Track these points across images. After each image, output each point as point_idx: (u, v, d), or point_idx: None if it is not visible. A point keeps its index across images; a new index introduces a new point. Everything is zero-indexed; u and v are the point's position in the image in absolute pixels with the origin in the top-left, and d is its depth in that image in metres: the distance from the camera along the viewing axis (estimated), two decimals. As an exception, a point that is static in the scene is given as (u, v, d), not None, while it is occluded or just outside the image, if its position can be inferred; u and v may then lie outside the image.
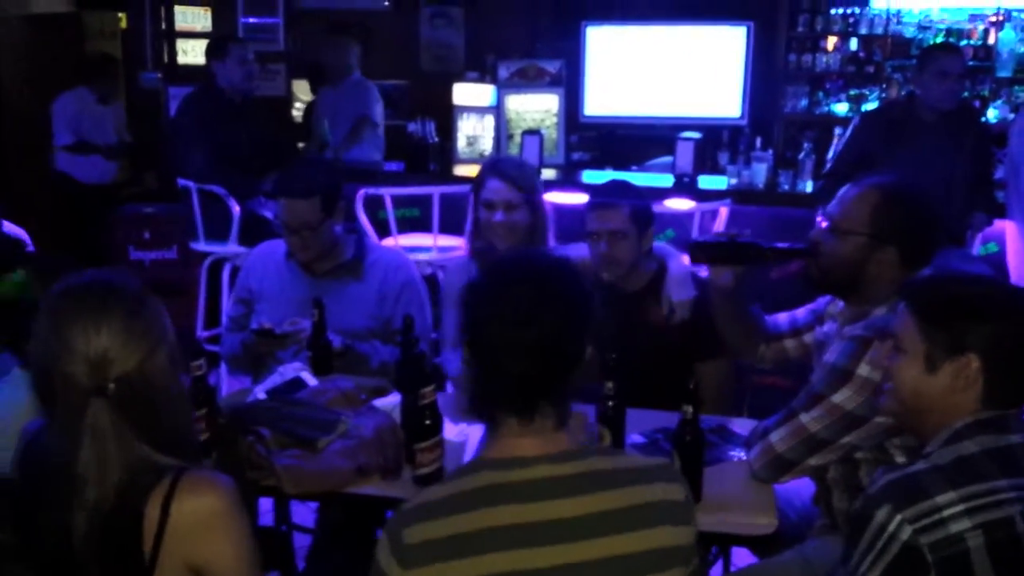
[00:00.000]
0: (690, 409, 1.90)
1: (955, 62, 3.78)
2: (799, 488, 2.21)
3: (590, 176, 4.69)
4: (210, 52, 4.50)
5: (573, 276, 1.44)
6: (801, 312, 2.35)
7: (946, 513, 1.33)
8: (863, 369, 1.86)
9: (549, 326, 1.33)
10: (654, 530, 1.33)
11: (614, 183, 2.88)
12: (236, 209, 4.20)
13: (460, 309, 1.42)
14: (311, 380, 2.27)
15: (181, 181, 4.30)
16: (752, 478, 1.99)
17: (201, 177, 4.22)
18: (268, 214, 4.14)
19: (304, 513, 2.82)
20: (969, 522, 1.32)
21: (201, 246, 4.36)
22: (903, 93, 5.37)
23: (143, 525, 1.37)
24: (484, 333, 1.36)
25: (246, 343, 2.68)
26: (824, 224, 2.08)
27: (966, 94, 5.46)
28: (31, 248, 2.95)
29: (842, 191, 2.08)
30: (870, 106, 5.69)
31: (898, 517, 1.34)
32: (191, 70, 5.95)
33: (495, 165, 2.78)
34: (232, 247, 4.18)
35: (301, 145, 5.39)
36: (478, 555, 1.29)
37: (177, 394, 1.49)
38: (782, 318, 2.37)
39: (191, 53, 6.33)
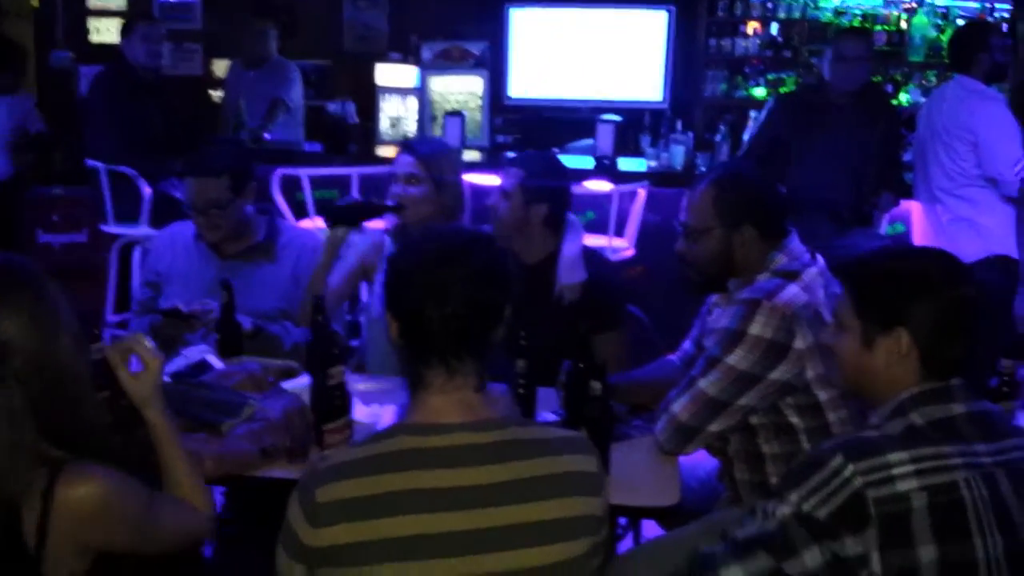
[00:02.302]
0: (598, 386, 1.93)
1: (856, 45, 3.87)
2: (701, 462, 2.27)
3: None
4: (121, 31, 4.38)
5: (490, 237, 1.53)
6: (686, 342, 2.41)
7: (896, 471, 1.37)
8: (754, 328, 1.93)
9: (473, 264, 1.38)
10: (567, 499, 1.36)
11: (529, 154, 2.93)
12: (147, 190, 4.10)
13: (385, 278, 1.45)
14: (217, 363, 2.23)
15: (90, 162, 4.18)
16: (660, 450, 2.04)
17: (111, 158, 4.10)
18: (180, 195, 4.04)
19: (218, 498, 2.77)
20: (916, 483, 1.36)
21: (111, 228, 4.25)
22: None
23: (23, 516, 1.36)
24: (408, 282, 1.38)
25: (154, 326, 2.61)
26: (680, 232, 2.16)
27: (879, 78, 5.59)
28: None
29: (685, 196, 2.17)
30: (786, 90, 5.79)
31: (851, 467, 1.38)
32: (104, 49, 5.77)
33: (409, 141, 2.86)
34: (143, 229, 4.08)
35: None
36: (390, 516, 1.30)
37: (80, 381, 1.46)
38: (676, 358, 2.42)
39: (105, 32, 6.15)
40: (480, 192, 3.45)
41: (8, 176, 5.51)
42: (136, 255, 4.11)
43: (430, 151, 2.71)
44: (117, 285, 4.26)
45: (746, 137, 4.40)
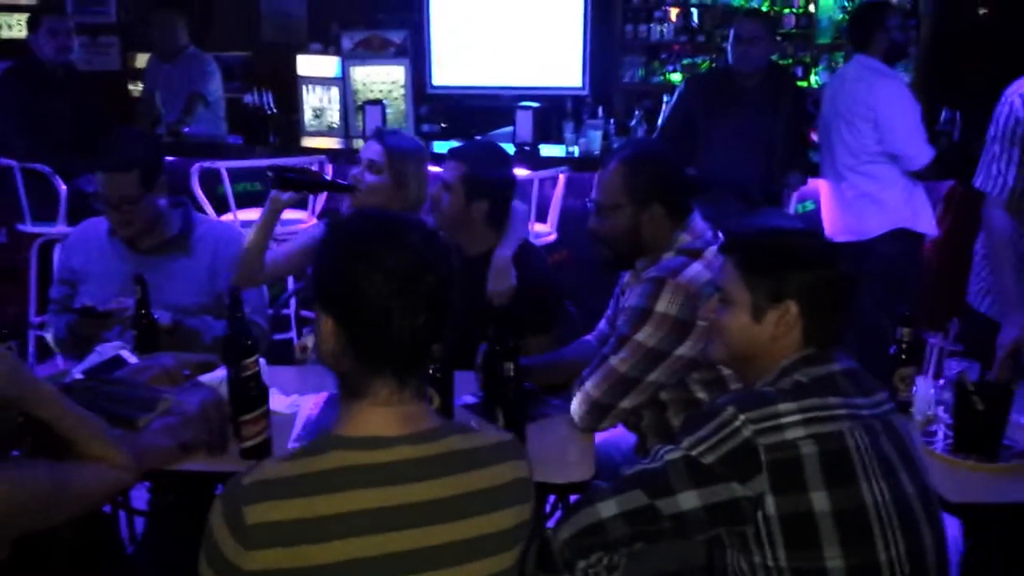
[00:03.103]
0: (511, 367, 1.98)
1: (752, 27, 3.99)
2: (623, 436, 2.34)
3: (440, 147, 4.70)
4: (28, 25, 4.28)
5: (428, 225, 1.41)
6: (601, 322, 2.46)
7: (784, 420, 1.44)
8: (660, 306, 2.00)
9: (440, 271, 1.30)
10: (505, 511, 1.34)
11: (472, 146, 2.84)
12: (62, 188, 4.02)
13: (316, 274, 1.34)
14: (131, 358, 2.22)
15: (3, 161, 4.08)
16: (576, 428, 2.09)
17: (24, 156, 4.01)
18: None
19: (138, 494, 2.75)
20: (804, 431, 1.44)
21: (28, 227, 4.16)
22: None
23: None
24: (370, 292, 1.26)
25: (71, 325, 2.59)
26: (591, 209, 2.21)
27: (789, 60, 5.74)
28: None
29: (597, 175, 2.21)
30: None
31: (742, 416, 1.45)
32: (13, 44, 5.62)
33: (381, 130, 2.85)
34: (61, 227, 4.00)
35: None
36: (331, 540, 1.23)
37: None
38: (592, 338, 2.47)
39: (16, 27, 5.98)
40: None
41: None
42: (56, 253, 4.04)
43: (398, 145, 2.71)
44: (38, 285, 4.17)
45: (660, 121, 4.49)
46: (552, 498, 2.48)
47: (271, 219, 2.60)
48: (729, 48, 4.02)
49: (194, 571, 1.34)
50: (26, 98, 4.13)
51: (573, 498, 2.56)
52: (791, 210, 4.09)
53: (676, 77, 6.09)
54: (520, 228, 2.67)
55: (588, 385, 2.06)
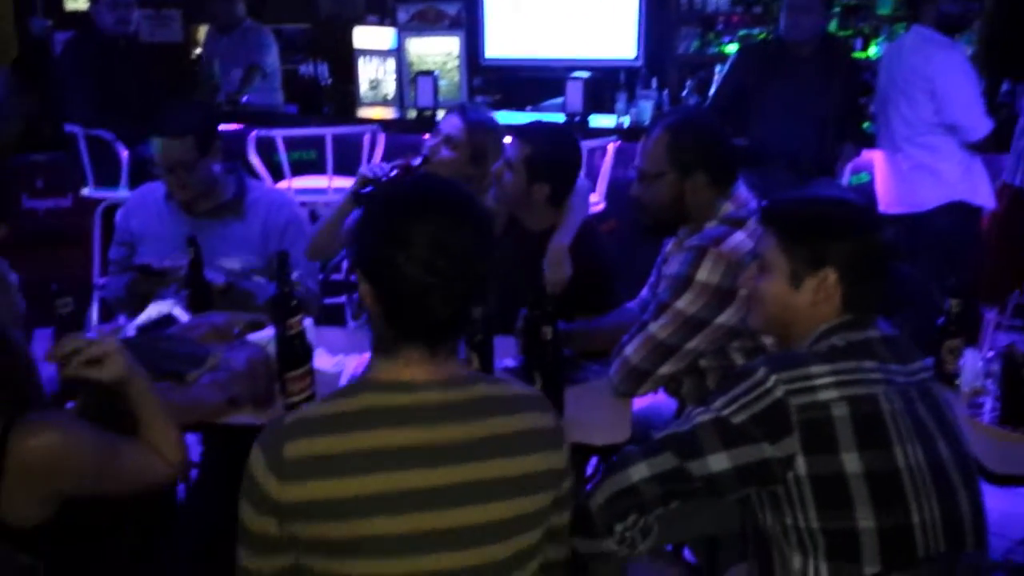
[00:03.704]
0: (548, 331, 2.00)
1: None
2: (665, 404, 2.35)
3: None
4: None
5: (478, 202, 1.41)
6: (644, 289, 2.46)
7: (817, 382, 1.44)
8: (701, 274, 2.00)
9: (475, 255, 1.31)
10: (532, 456, 1.37)
11: (539, 127, 2.73)
12: (124, 154, 4.14)
13: (358, 244, 1.35)
14: (183, 316, 2.30)
15: (68, 127, 4.22)
16: (614, 393, 2.11)
17: (88, 122, 4.14)
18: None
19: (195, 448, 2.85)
20: (836, 392, 1.44)
21: (92, 192, 4.29)
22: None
23: None
24: (400, 272, 1.28)
25: (129, 284, 2.68)
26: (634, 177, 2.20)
27: (849, 31, 5.62)
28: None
29: (641, 141, 2.20)
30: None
31: (774, 376, 1.45)
32: (78, 16, 5.77)
33: (464, 105, 2.86)
34: (123, 193, 4.12)
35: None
36: (359, 475, 1.30)
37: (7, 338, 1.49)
38: (634, 305, 2.46)
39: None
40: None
41: None
42: (118, 217, 4.16)
43: (479, 120, 2.72)
44: (101, 249, 4.31)
45: (712, 91, 4.44)
46: (595, 460, 2.52)
47: (338, 220, 2.63)
48: (782, 17, 3.95)
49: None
50: (89, 67, 4.25)
51: (597, 459, 2.61)
52: (845, 182, 4.03)
53: (731, 48, 5.99)
54: (580, 210, 2.63)
55: (627, 351, 2.07)
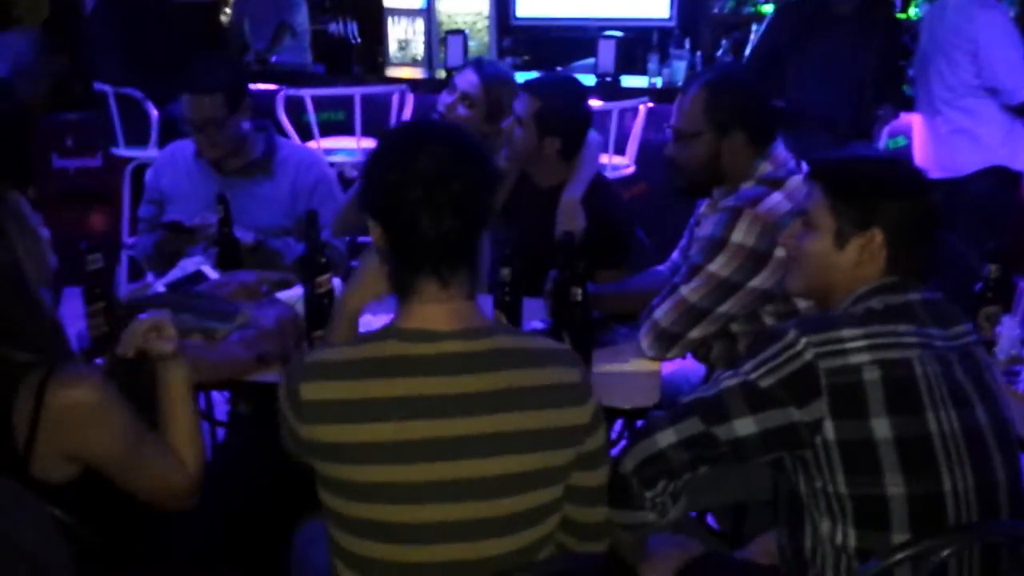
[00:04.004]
0: (579, 292, 1.98)
1: None
2: (693, 369, 2.33)
3: (522, 78, 4.66)
4: None
5: (475, 137, 1.46)
6: (675, 252, 2.42)
7: (848, 345, 1.42)
8: (736, 236, 1.96)
9: (468, 178, 1.34)
10: (550, 410, 1.36)
11: (547, 80, 2.74)
12: (154, 113, 4.14)
13: (363, 181, 1.40)
14: (212, 273, 2.30)
15: (98, 85, 4.22)
16: (643, 356, 2.08)
17: (117, 81, 4.14)
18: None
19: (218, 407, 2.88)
20: (868, 356, 1.41)
21: (121, 151, 4.30)
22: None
23: (12, 419, 1.40)
24: (401, 196, 1.33)
25: (159, 241, 2.69)
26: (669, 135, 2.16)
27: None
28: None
29: (677, 100, 2.15)
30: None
31: (804, 339, 1.43)
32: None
33: (480, 59, 2.83)
34: (152, 151, 4.12)
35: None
36: (376, 422, 1.31)
37: (30, 288, 1.48)
38: (664, 268, 2.43)
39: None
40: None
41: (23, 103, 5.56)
42: (147, 176, 4.17)
43: (496, 74, 2.70)
44: (131, 207, 4.33)
45: (748, 51, 4.35)
46: (619, 424, 2.51)
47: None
48: None
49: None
50: (119, 26, 4.23)
51: (640, 424, 2.59)
52: (882, 145, 3.94)
53: (768, 8, 5.85)
54: (592, 164, 2.62)
55: (657, 314, 2.04)
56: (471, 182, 1.35)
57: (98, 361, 1.91)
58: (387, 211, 1.37)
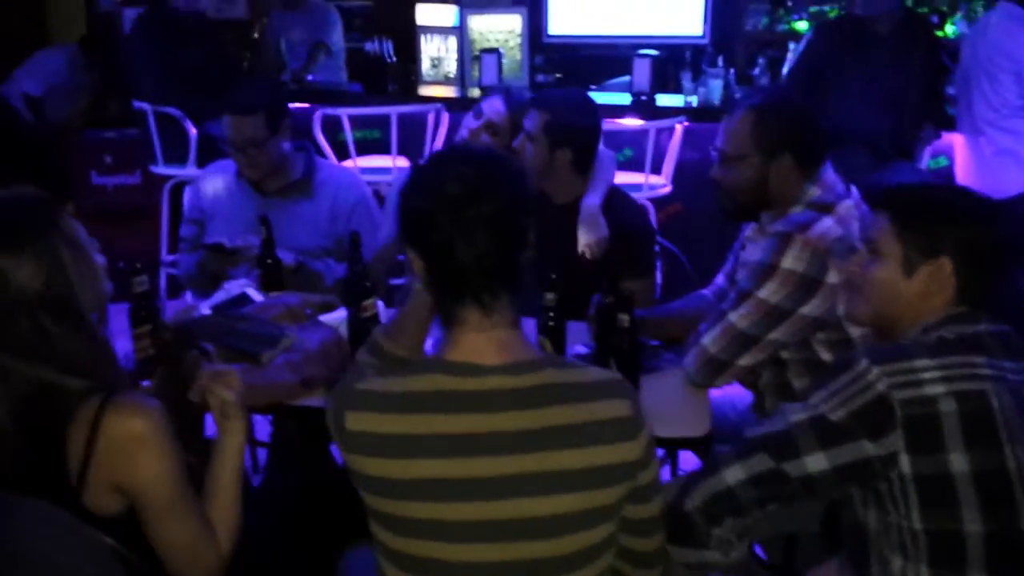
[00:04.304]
0: (626, 318, 1.96)
1: None
2: (739, 394, 2.30)
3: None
4: None
5: (507, 158, 1.45)
6: (719, 276, 2.40)
7: (923, 376, 1.38)
8: (786, 262, 1.93)
9: (500, 199, 1.31)
10: (601, 447, 1.32)
11: (554, 93, 2.82)
12: (193, 131, 4.17)
13: (398, 210, 1.39)
14: (256, 296, 2.30)
15: (137, 103, 4.26)
16: (689, 383, 2.05)
17: (156, 99, 4.18)
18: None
19: (264, 426, 2.88)
20: (944, 387, 1.37)
21: (160, 169, 4.34)
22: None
23: (67, 448, 1.38)
24: (432, 221, 1.31)
25: (201, 262, 2.70)
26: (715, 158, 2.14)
27: (925, 9, 5.43)
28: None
29: (723, 122, 2.13)
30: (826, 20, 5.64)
31: (877, 369, 1.39)
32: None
33: (509, 89, 2.84)
34: (191, 170, 4.15)
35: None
36: (421, 458, 1.29)
37: (84, 316, 1.46)
38: (709, 292, 2.40)
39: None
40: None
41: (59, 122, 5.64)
42: (185, 194, 4.20)
43: (522, 104, 2.69)
44: (170, 225, 4.36)
45: (785, 70, 4.33)
46: (660, 452, 2.47)
47: None
48: None
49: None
50: (158, 44, 4.27)
51: (681, 453, 2.56)
52: (923, 165, 3.90)
53: (802, 26, 5.83)
54: (607, 173, 2.61)
55: (705, 340, 2.02)
56: (502, 203, 1.32)
57: (144, 383, 1.91)
58: (421, 238, 1.35)
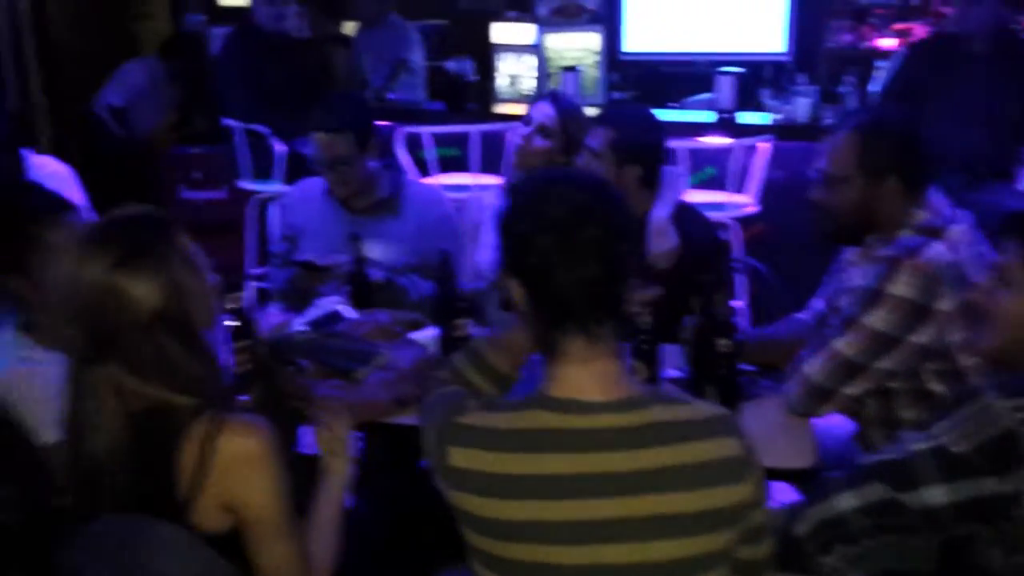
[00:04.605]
0: (726, 343, 1.91)
1: None
2: (837, 423, 2.22)
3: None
4: None
5: (608, 181, 1.41)
6: (816, 300, 2.33)
7: None
8: (895, 288, 1.86)
9: (607, 223, 1.27)
10: (710, 490, 1.26)
11: (619, 111, 2.86)
12: (280, 148, 4.24)
13: (498, 237, 1.35)
14: (349, 313, 2.32)
15: (225, 120, 4.35)
16: (790, 412, 1.99)
17: (244, 117, 4.26)
18: (310, 152, 4.17)
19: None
20: None
21: (247, 185, 4.42)
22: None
23: (178, 466, 1.39)
24: (532, 244, 1.27)
25: (292, 278, 2.73)
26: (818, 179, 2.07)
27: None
28: (77, 181, 2.99)
29: (825, 143, 2.07)
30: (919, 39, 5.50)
31: (1005, 402, 1.33)
32: (232, 11, 5.96)
33: (555, 92, 2.86)
34: (276, 186, 4.22)
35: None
36: (523, 499, 1.25)
37: (198, 334, 1.48)
38: (807, 316, 2.34)
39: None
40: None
41: (150, 136, 5.80)
42: (271, 210, 4.26)
43: (571, 107, 2.72)
44: (257, 240, 4.43)
45: (872, 88, 4.23)
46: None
47: None
48: (956, 6, 3.72)
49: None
50: (246, 63, 4.37)
51: (772, 484, 2.46)
52: (1022, 187, 3.76)
53: (886, 43, 5.71)
54: (674, 186, 2.59)
55: (808, 368, 1.95)
56: (605, 226, 1.27)
57: (243, 398, 1.93)
58: (520, 262, 1.30)
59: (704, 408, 1.36)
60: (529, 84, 5.13)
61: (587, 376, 1.30)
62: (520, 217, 1.31)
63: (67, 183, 2.87)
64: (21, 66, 5.62)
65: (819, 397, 1.94)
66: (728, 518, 1.28)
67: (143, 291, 1.39)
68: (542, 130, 2.70)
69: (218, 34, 5.00)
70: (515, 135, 2.78)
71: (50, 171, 2.88)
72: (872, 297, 1.89)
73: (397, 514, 2.07)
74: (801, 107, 4.18)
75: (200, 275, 1.48)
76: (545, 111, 2.72)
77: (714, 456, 1.28)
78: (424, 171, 4.11)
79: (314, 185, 2.86)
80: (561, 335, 1.30)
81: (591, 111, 4.56)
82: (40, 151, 3.27)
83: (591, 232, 1.26)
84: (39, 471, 1.16)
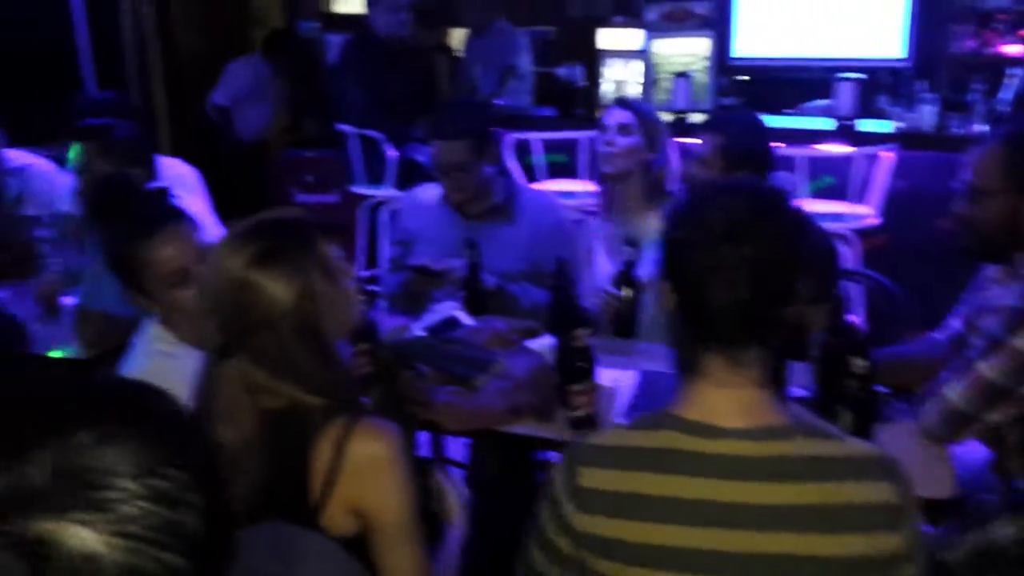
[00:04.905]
0: (861, 363, 1.83)
1: None
2: (972, 449, 2.10)
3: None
4: (368, 1, 4.60)
5: (780, 193, 1.28)
6: (954, 319, 2.22)
7: None
8: None
9: (766, 240, 1.18)
10: (857, 536, 1.17)
11: (728, 116, 2.83)
12: (392, 153, 4.29)
13: (661, 238, 1.30)
14: (465, 319, 2.31)
15: (339, 126, 4.42)
16: (926, 437, 1.89)
17: (359, 122, 4.33)
18: (421, 159, 4.21)
19: (455, 447, 2.89)
20: None
21: (359, 189, 4.49)
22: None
23: (311, 468, 1.39)
24: (688, 256, 1.21)
25: (405, 282, 2.75)
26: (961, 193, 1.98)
27: None
28: (202, 183, 3.08)
29: (971, 153, 1.98)
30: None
31: None
32: (346, 19, 6.07)
33: (622, 97, 2.91)
34: (388, 190, 4.28)
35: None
36: (651, 521, 1.21)
37: (327, 339, 1.47)
38: (943, 336, 2.24)
39: (348, 2, 6.46)
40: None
41: (261, 137, 5.96)
42: (382, 215, 4.33)
43: (643, 107, 2.75)
44: (368, 243, 4.49)
45: (1003, 96, 4.02)
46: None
47: None
48: None
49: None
50: (364, 69, 4.44)
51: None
52: None
53: (1011, 49, 5.44)
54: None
55: (948, 390, 1.85)
56: (769, 245, 1.18)
57: (365, 400, 1.94)
58: (675, 271, 1.25)
59: (855, 446, 1.26)
60: (635, 90, 5.08)
61: (723, 400, 1.23)
62: (679, 224, 1.26)
63: (193, 185, 2.95)
64: (144, 69, 5.85)
65: (959, 422, 1.85)
66: (872, 568, 1.19)
67: (276, 290, 1.40)
68: (622, 129, 2.69)
69: (334, 41, 5.09)
70: (598, 144, 2.77)
71: (177, 173, 2.97)
72: (1019, 317, 1.79)
73: (510, 527, 2.05)
74: (927, 115, 4.01)
75: (338, 283, 1.48)
76: (618, 114, 2.72)
77: (866, 500, 1.19)
78: (531, 177, 4.10)
79: (429, 190, 2.88)
80: (703, 353, 1.24)
81: (698, 117, 4.51)
82: (162, 153, 3.38)
83: (748, 249, 1.18)
84: (219, 476, 1.20)
